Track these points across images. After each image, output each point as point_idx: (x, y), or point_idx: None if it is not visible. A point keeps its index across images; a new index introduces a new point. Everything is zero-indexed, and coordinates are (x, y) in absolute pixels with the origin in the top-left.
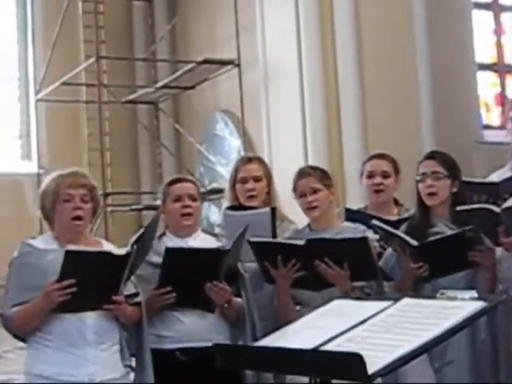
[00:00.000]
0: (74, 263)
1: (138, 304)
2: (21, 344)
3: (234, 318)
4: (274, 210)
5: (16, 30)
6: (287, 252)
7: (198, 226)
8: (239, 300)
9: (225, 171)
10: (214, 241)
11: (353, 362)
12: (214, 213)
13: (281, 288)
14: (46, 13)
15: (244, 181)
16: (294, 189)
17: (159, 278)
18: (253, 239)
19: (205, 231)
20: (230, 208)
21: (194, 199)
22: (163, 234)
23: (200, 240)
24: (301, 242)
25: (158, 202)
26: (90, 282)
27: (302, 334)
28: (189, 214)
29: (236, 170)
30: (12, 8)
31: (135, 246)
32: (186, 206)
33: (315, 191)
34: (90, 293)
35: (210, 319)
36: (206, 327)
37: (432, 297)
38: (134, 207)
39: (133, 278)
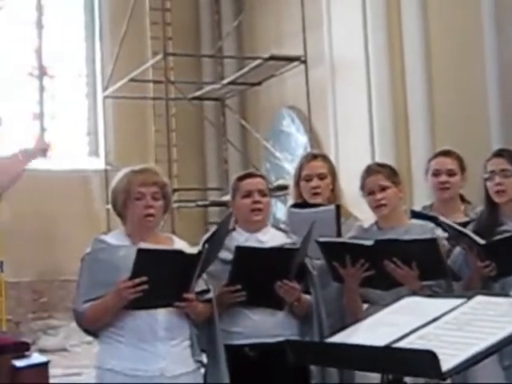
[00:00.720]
0: (146, 261)
1: (209, 301)
2: (88, 338)
3: (302, 314)
4: (338, 208)
5: (84, 28)
6: (356, 251)
7: (267, 222)
8: (308, 297)
9: (291, 168)
10: (283, 237)
11: (426, 360)
12: (280, 209)
13: (349, 287)
14: (114, 10)
15: (308, 178)
16: (362, 186)
17: (229, 276)
18: (321, 239)
19: (275, 227)
20: (295, 205)
21: (263, 194)
22: (233, 229)
23: (270, 235)
24: (370, 243)
25: (225, 198)
26: (161, 279)
27: (374, 331)
28: (258, 210)
29: (300, 168)
30: (80, 6)
31: (207, 245)
32: (255, 202)
33: (384, 189)
34: (162, 290)
35: (279, 315)
36: (275, 323)
37: (505, 294)
38: (200, 203)
39: (204, 274)
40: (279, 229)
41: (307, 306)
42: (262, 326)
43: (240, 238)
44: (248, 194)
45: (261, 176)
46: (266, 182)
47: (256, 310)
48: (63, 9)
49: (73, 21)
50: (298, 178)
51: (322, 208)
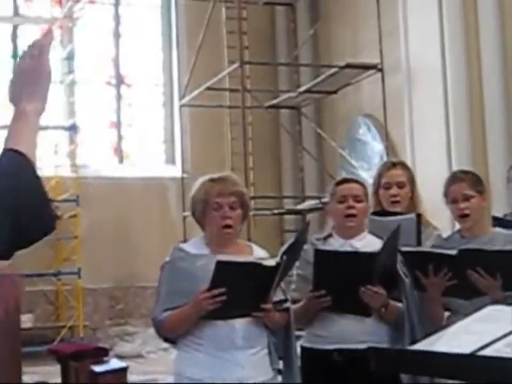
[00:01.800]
0: (225, 273)
1: (287, 310)
2: (164, 345)
3: (391, 321)
4: (419, 217)
5: (161, 37)
6: (439, 261)
7: (364, 227)
8: (398, 304)
9: (367, 176)
10: (380, 243)
11: None
12: None
13: (432, 296)
14: (190, 20)
15: (387, 186)
16: (445, 194)
17: (313, 281)
18: (404, 249)
19: (372, 233)
20: (374, 213)
21: (359, 200)
22: (329, 235)
23: (365, 242)
24: (454, 252)
25: (300, 206)
26: (239, 290)
27: (458, 339)
28: (352, 215)
29: (379, 176)
30: (157, 16)
31: (285, 257)
32: (349, 207)
33: (467, 198)
34: (240, 301)
35: (368, 321)
36: (364, 329)
37: None
38: (276, 211)
39: (282, 284)
40: (377, 236)
41: (396, 313)
42: (351, 332)
43: (335, 243)
44: (343, 200)
45: (357, 181)
46: (363, 188)
47: (345, 315)
48: (140, 18)
49: (150, 30)
50: (377, 186)
51: (402, 216)
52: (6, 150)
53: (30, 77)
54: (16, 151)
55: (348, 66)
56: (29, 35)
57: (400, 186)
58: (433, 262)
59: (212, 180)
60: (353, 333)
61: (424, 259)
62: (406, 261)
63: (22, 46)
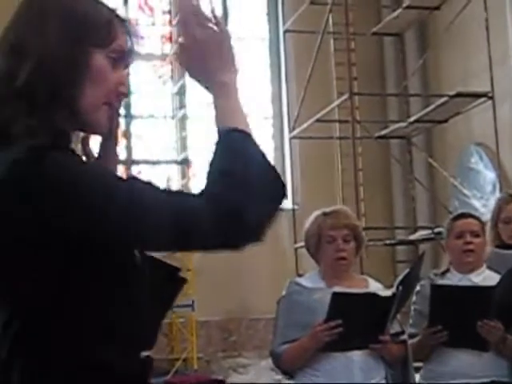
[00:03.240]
0: (341, 305)
1: (404, 342)
2: (277, 377)
3: (510, 356)
4: None
5: (269, 70)
6: None
7: (482, 263)
8: None
9: (480, 205)
10: (498, 278)
11: None
12: None
13: None
14: (299, 52)
15: (508, 220)
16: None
17: (429, 316)
18: None
19: (490, 268)
20: (496, 247)
21: (476, 235)
22: (447, 269)
23: (484, 276)
24: None
25: (413, 237)
26: (356, 322)
27: None
28: (470, 251)
29: (498, 210)
30: (265, 48)
31: (400, 287)
32: (467, 243)
33: None
34: (357, 332)
35: (487, 355)
36: (483, 363)
37: None
38: (387, 242)
39: (398, 316)
40: (495, 270)
41: None
42: (470, 366)
43: (453, 278)
44: (460, 235)
45: (474, 216)
46: (480, 223)
47: (462, 349)
48: (249, 51)
49: (259, 63)
50: (496, 220)
51: None
52: (230, 131)
53: (212, 47)
54: (242, 131)
55: (458, 94)
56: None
57: None
58: None
59: (325, 214)
60: (472, 367)
61: None
62: None
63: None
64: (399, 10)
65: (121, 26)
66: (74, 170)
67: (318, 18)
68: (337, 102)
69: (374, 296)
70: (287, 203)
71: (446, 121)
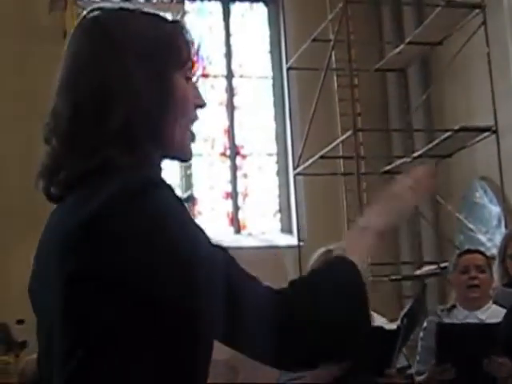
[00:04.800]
0: None
1: (410, 376)
2: None
3: None
4: None
5: (273, 107)
6: None
7: (489, 299)
8: None
9: (485, 239)
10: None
11: None
12: None
13: None
14: (302, 89)
15: None
16: None
17: (435, 353)
18: None
19: (498, 303)
20: (504, 285)
21: (481, 271)
22: (454, 305)
23: (490, 312)
24: None
25: (418, 272)
26: (362, 356)
27: None
28: (475, 286)
29: (505, 246)
30: (268, 86)
31: (405, 321)
32: (472, 278)
33: None
34: (363, 367)
35: None
36: None
37: None
38: (393, 277)
39: (404, 349)
40: (503, 305)
41: None
42: None
43: (459, 315)
44: (465, 270)
45: (480, 252)
46: (485, 258)
47: None
48: (252, 89)
49: (262, 100)
50: (503, 256)
51: None
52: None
53: (396, 203)
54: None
55: (462, 129)
56: None
57: None
58: None
59: (330, 251)
60: None
61: None
62: None
63: None
64: (402, 46)
65: (184, 37)
66: (170, 215)
67: (320, 55)
68: (341, 139)
69: (379, 329)
70: (292, 239)
71: (450, 155)
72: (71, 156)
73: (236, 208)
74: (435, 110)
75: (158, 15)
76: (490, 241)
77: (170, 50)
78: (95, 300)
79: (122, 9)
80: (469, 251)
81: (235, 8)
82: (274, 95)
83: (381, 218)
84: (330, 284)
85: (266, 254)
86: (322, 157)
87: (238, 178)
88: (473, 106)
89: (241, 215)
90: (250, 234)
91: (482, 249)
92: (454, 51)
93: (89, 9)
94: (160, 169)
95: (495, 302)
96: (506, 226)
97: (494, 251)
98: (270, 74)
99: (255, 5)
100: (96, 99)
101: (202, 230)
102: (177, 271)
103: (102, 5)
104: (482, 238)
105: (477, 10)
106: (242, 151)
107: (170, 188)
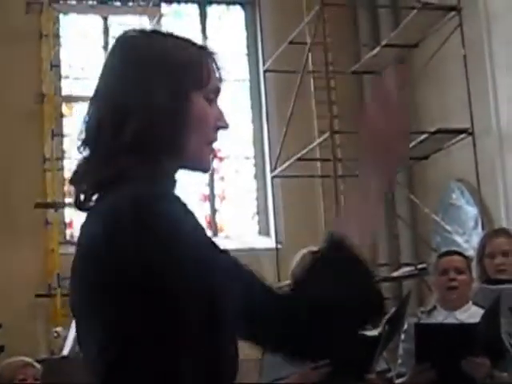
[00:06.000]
0: None
1: (390, 380)
2: None
3: None
4: None
5: (250, 110)
6: None
7: (468, 299)
8: (503, 374)
9: (462, 240)
10: None
11: None
12: None
13: None
14: (279, 92)
15: (492, 256)
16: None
17: (415, 354)
18: None
19: (477, 304)
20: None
21: (460, 272)
22: (434, 307)
23: (470, 313)
24: None
25: (396, 274)
26: (343, 360)
27: None
28: (454, 288)
29: (483, 245)
30: (246, 89)
31: (387, 327)
32: (451, 280)
33: None
34: (344, 371)
35: None
36: None
37: None
38: None
39: (385, 353)
40: (482, 306)
41: None
42: None
43: (439, 316)
44: (444, 272)
45: (459, 253)
46: (465, 260)
47: None
48: (230, 93)
49: (240, 104)
50: (481, 256)
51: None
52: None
53: (383, 141)
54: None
55: (438, 131)
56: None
57: (504, 254)
58: None
59: (313, 252)
60: None
61: None
62: None
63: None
64: (378, 49)
65: (211, 62)
66: (176, 224)
67: (297, 58)
68: (318, 141)
69: (360, 336)
70: (270, 242)
71: (426, 157)
72: (93, 163)
73: (213, 211)
74: (411, 112)
75: (187, 39)
76: (467, 242)
77: (190, 69)
78: (120, 305)
79: (154, 31)
80: (448, 253)
81: (212, 10)
82: (251, 98)
83: (379, 171)
84: (331, 275)
85: (243, 257)
86: (299, 159)
87: (216, 180)
88: (449, 108)
89: (218, 218)
90: (227, 237)
91: (462, 251)
92: (430, 54)
93: (124, 30)
94: (174, 180)
95: (475, 303)
96: (482, 227)
97: (471, 252)
98: (247, 76)
99: (232, 7)
100: (115, 111)
101: (210, 238)
102: (193, 273)
103: (136, 27)
104: (459, 239)
105: (453, 13)
106: (219, 154)
107: (178, 200)
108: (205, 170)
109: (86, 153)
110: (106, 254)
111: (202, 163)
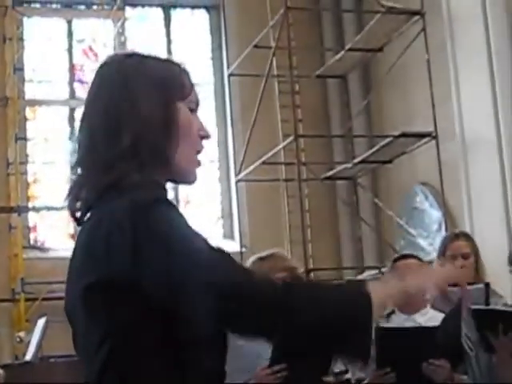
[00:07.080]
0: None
1: (347, 381)
2: None
3: None
4: (488, 286)
5: (215, 114)
6: (509, 321)
7: (426, 303)
8: (464, 377)
9: (426, 243)
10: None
11: None
12: None
13: (502, 357)
14: (244, 95)
15: (453, 258)
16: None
17: (376, 358)
18: (474, 306)
19: (435, 308)
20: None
21: None
22: (392, 311)
23: (428, 316)
24: None
25: (360, 277)
26: (300, 364)
27: None
28: None
29: (444, 248)
30: (210, 92)
31: None
32: None
33: None
34: (302, 374)
35: None
36: None
37: None
38: (336, 282)
39: None
40: (441, 310)
41: None
42: None
43: (398, 320)
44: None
45: (415, 257)
46: (420, 263)
47: None
48: None
49: (204, 107)
50: (442, 258)
51: (471, 287)
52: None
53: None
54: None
55: (402, 135)
56: None
57: (465, 256)
58: (503, 322)
59: (261, 259)
60: None
61: (494, 319)
62: (475, 320)
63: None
64: (342, 53)
65: (187, 76)
66: (174, 224)
67: (262, 62)
68: (282, 145)
69: None
70: (234, 245)
71: (390, 161)
72: (90, 175)
73: None
74: (376, 116)
75: (165, 59)
76: (431, 245)
77: (173, 81)
78: (115, 304)
79: (134, 54)
80: (403, 257)
81: (176, 14)
82: (216, 101)
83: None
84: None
85: None
86: (263, 163)
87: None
88: (413, 111)
89: None
90: None
91: (422, 254)
92: (394, 58)
93: (109, 55)
94: (165, 190)
95: (434, 306)
96: (446, 230)
97: (435, 255)
98: (212, 80)
99: (196, 11)
100: (108, 124)
101: (206, 239)
102: (190, 271)
103: (118, 52)
104: (423, 242)
105: (416, 17)
106: None
107: (173, 204)
108: (191, 182)
109: (79, 171)
110: (103, 254)
111: (189, 174)
